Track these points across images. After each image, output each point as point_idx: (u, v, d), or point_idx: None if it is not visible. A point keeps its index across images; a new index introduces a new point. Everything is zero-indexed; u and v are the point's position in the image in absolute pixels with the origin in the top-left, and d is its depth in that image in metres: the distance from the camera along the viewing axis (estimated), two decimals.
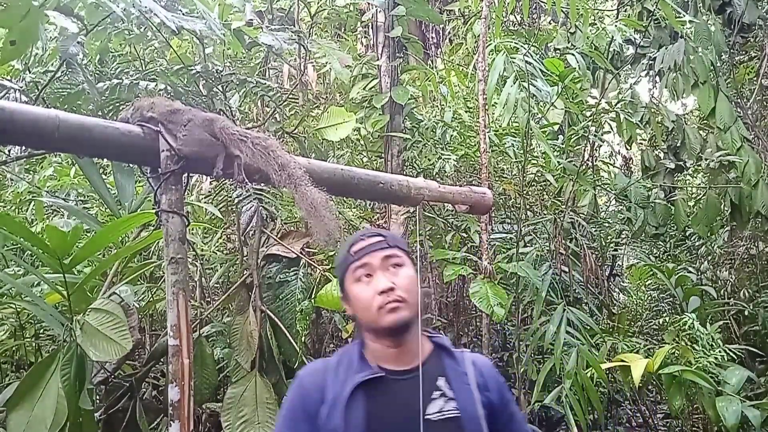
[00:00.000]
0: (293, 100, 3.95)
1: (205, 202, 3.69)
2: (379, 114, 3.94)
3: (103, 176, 3.14)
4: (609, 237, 5.21)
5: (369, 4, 4.12)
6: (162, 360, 3.40)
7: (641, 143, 6.08)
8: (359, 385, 1.43)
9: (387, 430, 1.34)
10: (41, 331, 3.62)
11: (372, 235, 1.55)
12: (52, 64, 3.66)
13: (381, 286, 1.46)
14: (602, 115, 4.17)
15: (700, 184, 5.87)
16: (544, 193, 4.70)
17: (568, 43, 5.00)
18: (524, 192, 4.15)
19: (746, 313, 4.86)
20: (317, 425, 1.43)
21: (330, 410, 1.42)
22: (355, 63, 4.05)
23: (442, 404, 1.45)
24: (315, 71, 4.38)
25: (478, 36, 3.75)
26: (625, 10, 5.99)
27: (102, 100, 3.06)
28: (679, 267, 4.71)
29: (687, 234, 5.72)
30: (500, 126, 4.20)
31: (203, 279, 4.05)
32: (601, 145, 5.06)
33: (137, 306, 3.28)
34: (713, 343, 3.48)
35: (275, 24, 3.58)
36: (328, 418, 1.42)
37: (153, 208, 1.44)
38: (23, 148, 3.01)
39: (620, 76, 5.67)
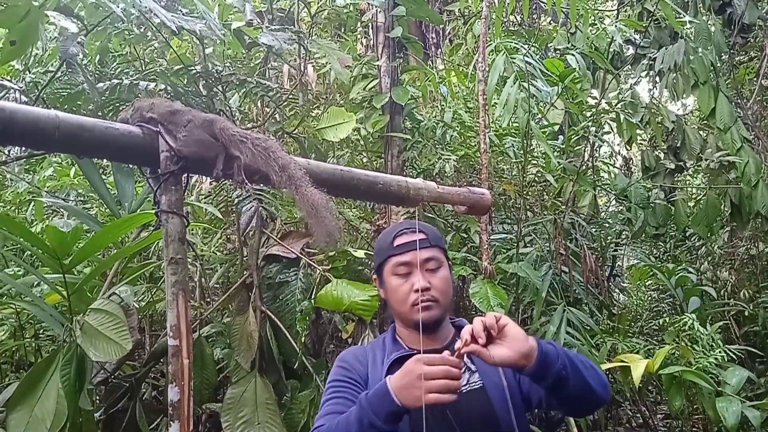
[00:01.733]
0: (293, 101, 3.95)
1: (205, 203, 3.69)
2: (379, 114, 3.94)
3: (103, 176, 3.14)
4: (609, 237, 5.20)
5: (369, 4, 4.12)
6: (162, 360, 3.40)
7: (641, 143, 6.08)
8: (395, 361, 1.53)
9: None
10: (41, 331, 3.62)
11: (415, 231, 1.62)
12: (52, 65, 3.66)
13: (418, 285, 1.55)
14: (602, 115, 4.17)
15: (700, 185, 5.87)
16: (544, 193, 4.70)
17: (568, 43, 5.00)
18: (524, 192, 4.15)
19: (746, 313, 4.86)
20: (363, 386, 1.55)
21: (373, 383, 1.52)
22: (355, 63, 4.05)
23: (468, 377, 1.55)
24: (315, 71, 4.37)
25: (478, 36, 3.75)
26: (625, 11, 5.99)
27: (102, 101, 3.06)
28: (679, 267, 4.70)
29: (687, 234, 5.71)
30: (500, 126, 4.20)
31: (203, 279, 4.04)
32: (601, 146, 5.06)
33: (137, 306, 3.28)
34: (713, 344, 3.48)
35: (275, 24, 3.57)
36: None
37: (153, 209, 1.44)
38: (23, 148, 3.01)
39: (620, 77, 5.67)
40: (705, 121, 5.24)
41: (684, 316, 3.74)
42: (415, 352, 1.52)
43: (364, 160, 4.51)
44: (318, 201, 1.16)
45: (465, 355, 1.48)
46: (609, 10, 6.81)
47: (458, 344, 1.36)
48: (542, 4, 5.91)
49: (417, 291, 1.55)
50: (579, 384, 1.42)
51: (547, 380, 1.37)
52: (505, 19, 5.71)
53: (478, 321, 1.34)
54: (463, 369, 1.52)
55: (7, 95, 3.08)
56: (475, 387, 1.54)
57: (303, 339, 3.28)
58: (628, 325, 4.90)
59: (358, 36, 5.23)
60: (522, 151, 3.82)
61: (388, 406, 1.30)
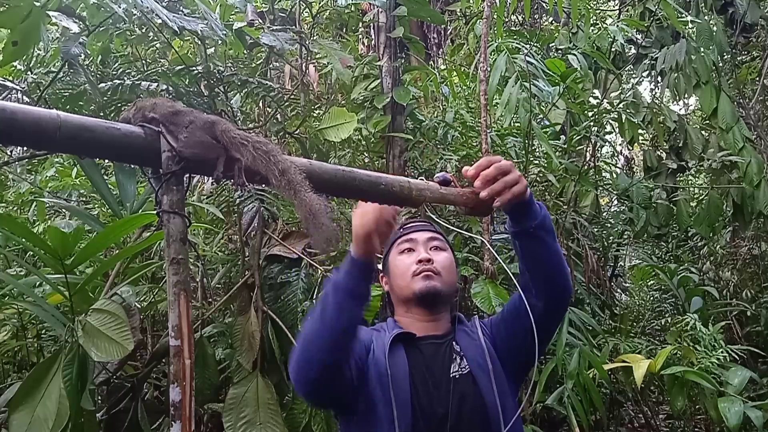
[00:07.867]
0: (295, 101, 3.95)
1: (206, 203, 3.69)
2: (381, 114, 3.94)
3: (105, 177, 3.14)
4: (611, 237, 5.20)
5: (370, 4, 4.12)
6: (164, 360, 3.40)
7: (643, 143, 6.08)
8: (397, 339, 1.56)
9: (424, 383, 1.51)
10: (43, 331, 3.62)
11: (420, 221, 1.77)
12: (54, 65, 3.66)
13: (421, 257, 1.62)
14: (604, 115, 4.16)
15: (702, 185, 5.86)
16: (546, 193, 4.70)
17: (570, 43, 4.99)
18: None
19: (748, 313, 4.85)
20: (364, 354, 1.56)
21: (376, 355, 1.55)
22: (356, 63, 4.05)
23: (459, 362, 1.59)
24: (316, 72, 4.37)
25: (480, 36, 3.75)
26: (627, 10, 5.99)
27: (104, 101, 3.06)
28: (681, 267, 4.69)
29: (689, 234, 5.70)
30: (502, 126, 4.20)
31: (205, 279, 4.04)
32: (603, 146, 5.06)
33: (139, 306, 3.28)
34: (715, 344, 3.47)
35: (277, 24, 3.57)
36: (376, 363, 1.54)
37: (154, 209, 1.44)
38: (25, 148, 3.02)
39: (622, 77, 5.66)
40: (707, 121, 5.23)
41: (686, 316, 3.74)
42: (414, 333, 1.59)
43: (366, 160, 4.50)
44: (316, 207, 1.16)
45: (456, 343, 1.61)
46: (611, 10, 6.81)
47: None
48: (544, 4, 5.91)
49: (420, 262, 1.61)
50: (554, 248, 1.50)
51: (533, 219, 1.43)
52: (506, 19, 5.71)
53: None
54: (456, 356, 1.59)
55: (9, 96, 3.08)
56: (465, 371, 1.56)
57: None
58: (630, 325, 4.90)
59: (360, 36, 5.23)
60: (524, 151, 3.82)
61: (348, 262, 1.41)
